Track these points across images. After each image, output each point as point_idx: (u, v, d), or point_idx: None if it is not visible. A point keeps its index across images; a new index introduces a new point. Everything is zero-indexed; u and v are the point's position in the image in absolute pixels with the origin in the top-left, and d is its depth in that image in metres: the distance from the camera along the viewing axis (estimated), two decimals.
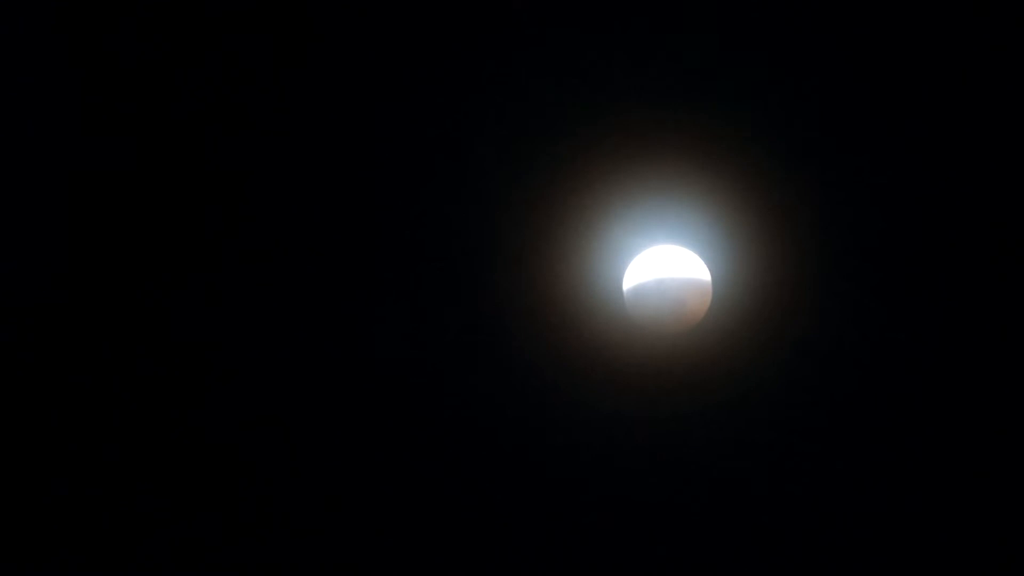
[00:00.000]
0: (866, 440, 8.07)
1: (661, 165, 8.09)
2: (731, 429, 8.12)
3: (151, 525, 7.97)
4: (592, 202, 8.15)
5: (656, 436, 8.12)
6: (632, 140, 8.09)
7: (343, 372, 8.14)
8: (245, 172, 8.13)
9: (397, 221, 8.19)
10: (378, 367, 8.15)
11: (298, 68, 8.09)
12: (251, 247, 8.14)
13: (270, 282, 8.15)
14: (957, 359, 8.04)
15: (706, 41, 8.04)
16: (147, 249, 8.11)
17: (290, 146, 8.14)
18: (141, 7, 8.02)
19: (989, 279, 8.02)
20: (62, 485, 7.94)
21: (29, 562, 7.85)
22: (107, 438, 8.00)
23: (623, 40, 8.07)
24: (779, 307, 8.08)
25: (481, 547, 8.10)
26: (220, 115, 8.10)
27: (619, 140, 8.10)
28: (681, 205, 8.12)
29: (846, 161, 8.08)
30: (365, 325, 8.17)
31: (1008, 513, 7.91)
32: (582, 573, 8.09)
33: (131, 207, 8.10)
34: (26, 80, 8.00)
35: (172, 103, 8.09)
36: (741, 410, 8.11)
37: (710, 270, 8.10)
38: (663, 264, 8.08)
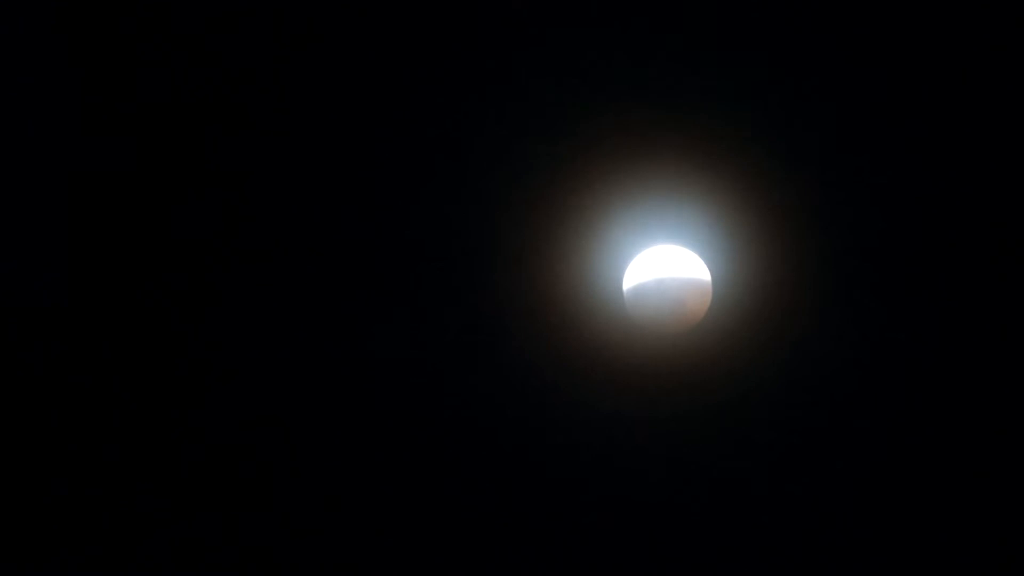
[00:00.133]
0: (866, 440, 8.06)
1: (661, 165, 8.08)
2: (731, 429, 8.12)
3: (151, 525, 7.97)
4: (592, 202, 8.15)
5: (656, 436, 8.12)
6: (632, 140, 8.09)
7: (343, 372, 8.13)
8: (245, 172, 8.12)
9: (397, 221, 8.18)
10: (378, 367, 8.14)
11: (298, 68, 8.09)
12: (251, 247, 8.14)
13: (270, 282, 8.15)
14: (957, 359, 8.03)
15: (706, 41, 8.04)
16: (147, 249, 8.11)
17: (290, 146, 8.13)
18: (141, 7, 8.01)
19: (989, 279, 8.02)
20: (62, 485, 7.94)
21: (29, 562, 7.84)
22: (107, 438, 8.00)
23: (623, 40, 8.07)
24: (779, 307, 8.08)
25: (481, 547, 8.10)
26: (220, 115, 8.10)
27: (619, 140, 8.09)
28: (681, 205, 8.12)
29: (846, 161, 8.08)
30: (365, 325, 8.17)
31: (1008, 513, 7.91)
32: (582, 573, 8.09)
33: (131, 207, 8.10)
34: (26, 80, 7.99)
35: (172, 103, 8.08)
36: (741, 410, 8.11)
37: (710, 270, 8.10)
38: (663, 264, 8.07)
